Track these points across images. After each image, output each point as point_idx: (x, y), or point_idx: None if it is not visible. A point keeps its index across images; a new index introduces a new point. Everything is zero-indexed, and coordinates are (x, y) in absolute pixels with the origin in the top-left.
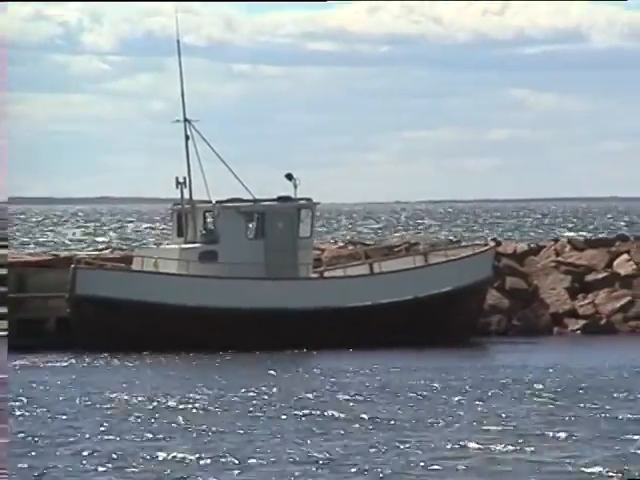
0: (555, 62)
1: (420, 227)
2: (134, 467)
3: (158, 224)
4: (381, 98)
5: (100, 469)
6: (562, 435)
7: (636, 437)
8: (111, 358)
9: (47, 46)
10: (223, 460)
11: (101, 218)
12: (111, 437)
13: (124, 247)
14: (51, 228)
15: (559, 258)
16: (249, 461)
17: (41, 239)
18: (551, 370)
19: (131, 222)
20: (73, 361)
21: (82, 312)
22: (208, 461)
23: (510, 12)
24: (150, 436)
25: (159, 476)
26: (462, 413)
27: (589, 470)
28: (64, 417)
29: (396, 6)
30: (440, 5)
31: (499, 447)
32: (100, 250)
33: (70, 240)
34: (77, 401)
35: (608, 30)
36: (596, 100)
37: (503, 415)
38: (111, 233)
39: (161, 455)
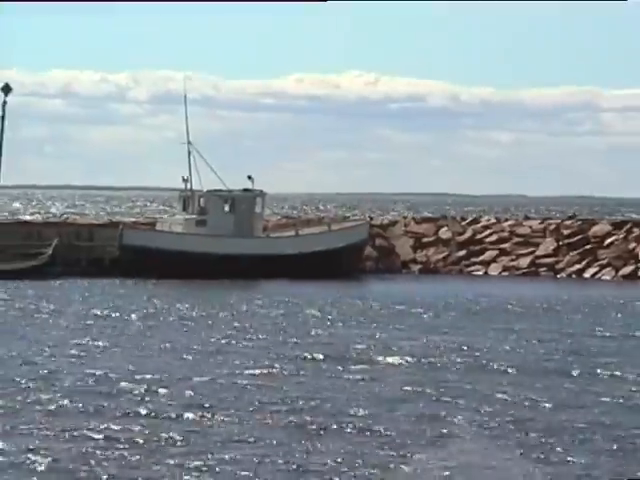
0: None
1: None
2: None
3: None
4: None
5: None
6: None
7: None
8: (139, 281)
9: (109, 97)
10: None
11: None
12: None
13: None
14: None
15: (407, 228)
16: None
17: (101, 212)
18: (398, 292)
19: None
20: (117, 282)
21: (125, 254)
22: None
23: None
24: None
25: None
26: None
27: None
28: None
29: None
30: None
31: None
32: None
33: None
34: (115, 301)
35: None
36: None
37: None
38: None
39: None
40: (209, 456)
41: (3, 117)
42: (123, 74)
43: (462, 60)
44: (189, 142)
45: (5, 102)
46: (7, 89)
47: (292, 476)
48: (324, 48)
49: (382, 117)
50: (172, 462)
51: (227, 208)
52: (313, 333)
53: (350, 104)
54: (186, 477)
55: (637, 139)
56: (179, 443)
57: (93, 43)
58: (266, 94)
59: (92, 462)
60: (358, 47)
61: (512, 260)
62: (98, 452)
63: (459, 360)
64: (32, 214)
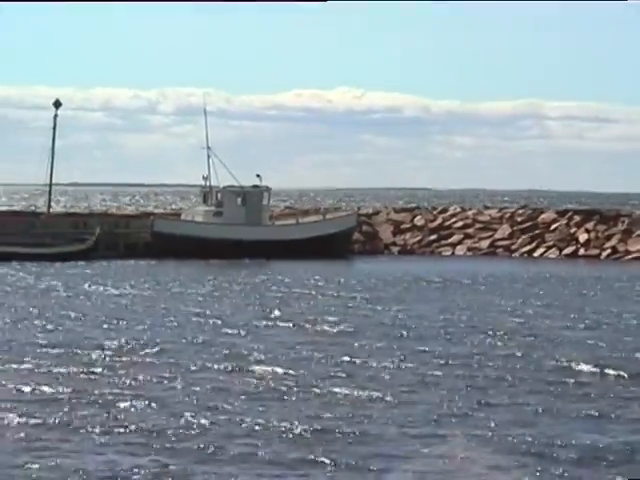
0: None
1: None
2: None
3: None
4: None
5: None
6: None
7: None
8: (166, 261)
9: (141, 110)
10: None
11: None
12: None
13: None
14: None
15: (388, 217)
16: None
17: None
18: (379, 269)
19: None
20: (153, 262)
21: (155, 240)
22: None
23: None
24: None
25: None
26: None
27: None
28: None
29: None
30: None
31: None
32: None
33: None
34: (148, 278)
35: None
36: None
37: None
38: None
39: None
40: None
41: (54, 127)
42: (153, 91)
43: (432, 78)
44: (208, 147)
45: (56, 115)
46: (57, 104)
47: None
48: (319, 67)
49: (366, 125)
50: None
51: (240, 201)
52: (302, 305)
53: (340, 115)
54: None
55: (574, 142)
56: None
57: (127, 65)
58: (271, 107)
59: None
60: (347, 66)
61: (474, 242)
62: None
63: (397, 323)
64: (79, 207)
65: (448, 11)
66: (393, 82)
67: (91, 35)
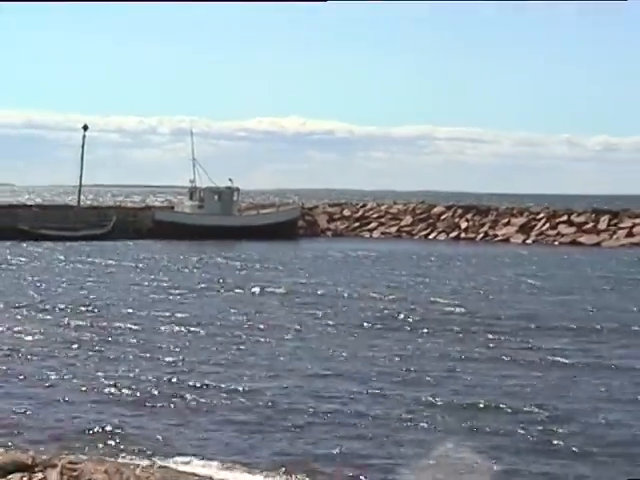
0: None
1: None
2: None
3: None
4: None
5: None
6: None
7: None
8: (160, 241)
9: (145, 132)
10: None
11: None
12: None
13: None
14: (140, 196)
15: (324, 209)
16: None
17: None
18: (320, 248)
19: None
20: (150, 242)
21: (156, 226)
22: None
23: None
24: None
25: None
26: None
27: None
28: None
29: None
30: None
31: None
32: (162, 203)
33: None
34: (149, 253)
35: None
36: None
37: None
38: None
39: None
40: None
41: (83, 145)
42: (154, 118)
43: (356, 109)
44: (194, 159)
45: (84, 135)
46: (85, 127)
47: None
48: (275, 101)
49: (309, 144)
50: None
51: (216, 198)
52: (254, 274)
53: (290, 136)
54: None
55: (457, 157)
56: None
57: (135, 98)
58: (240, 130)
59: None
60: (295, 100)
61: (386, 228)
62: None
63: (309, 291)
64: (100, 202)
65: (366, 60)
66: (328, 112)
67: (108, 72)
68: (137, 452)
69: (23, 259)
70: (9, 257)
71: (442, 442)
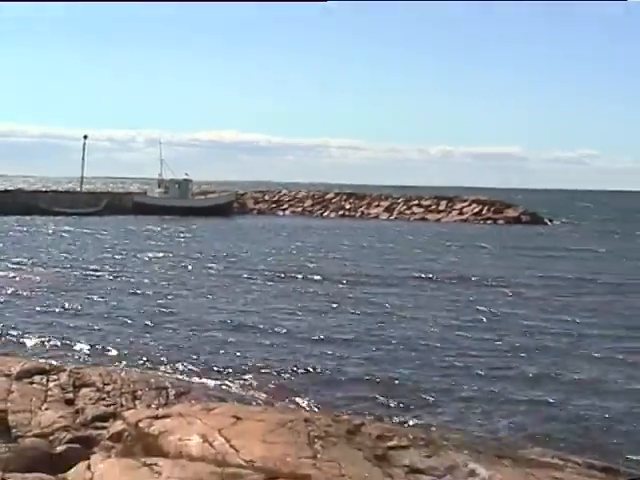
0: None
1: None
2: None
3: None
4: None
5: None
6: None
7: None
8: (140, 217)
9: (128, 140)
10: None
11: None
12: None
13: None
14: (123, 185)
15: (251, 195)
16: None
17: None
18: (248, 222)
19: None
20: (131, 217)
21: (134, 206)
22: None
23: None
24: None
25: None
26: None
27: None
28: (129, 225)
29: None
30: None
31: None
32: (138, 190)
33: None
34: (131, 225)
35: None
36: None
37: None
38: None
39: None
40: None
41: (84, 149)
42: (134, 130)
43: (272, 124)
44: (162, 160)
45: (85, 143)
46: (85, 137)
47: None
48: (217, 117)
49: (241, 150)
50: None
51: (177, 187)
52: (194, 240)
53: (227, 144)
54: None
55: (343, 160)
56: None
57: (123, 115)
58: (193, 140)
59: None
60: (231, 117)
61: (294, 208)
62: None
63: (222, 254)
64: (96, 189)
65: (277, 87)
66: (254, 127)
67: (104, 97)
68: (126, 362)
69: (43, 228)
70: (38, 224)
71: None
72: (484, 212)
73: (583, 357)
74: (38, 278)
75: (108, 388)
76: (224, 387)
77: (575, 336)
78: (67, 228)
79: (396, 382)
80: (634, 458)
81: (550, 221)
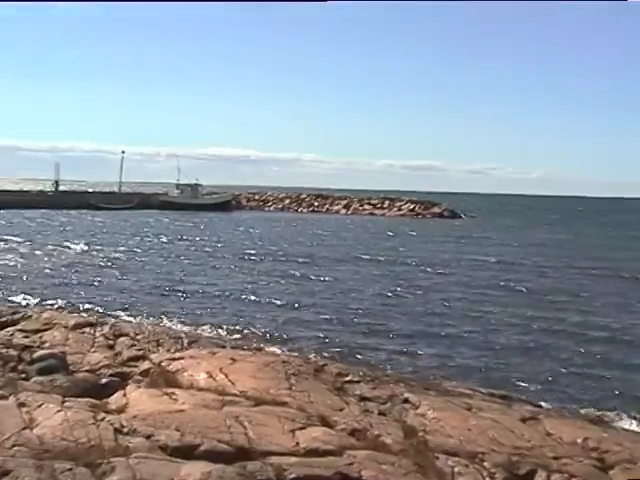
0: None
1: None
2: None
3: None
4: None
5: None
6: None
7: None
8: (164, 212)
9: (152, 155)
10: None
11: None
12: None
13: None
14: (151, 188)
15: (245, 195)
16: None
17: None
18: (242, 215)
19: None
20: (156, 212)
21: (161, 204)
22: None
23: None
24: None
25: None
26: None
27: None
28: (156, 218)
29: None
30: None
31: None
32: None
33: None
34: (158, 218)
35: None
36: None
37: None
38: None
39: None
40: None
41: (122, 161)
42: (156, 147)
43: (263, 139)
44: (179, 169)
45: (122, 157)
46: (123, 152)
47: None
48: (218, 138)
49: (238, 163)
50: None
51: (190, 189)
52: (206, 233)
53: (228, 158)
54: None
55: (312, 169)
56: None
57: (149, 135)
58: (201, 154)
59: None
60: (229, 134)
61: (277, 206)
62: None
63: (211, 242)
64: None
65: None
66: (246, 144)
67: (136, 121)
68: (150, 318)
69: (94, 218)
70: (88, 217)
71: None
72: (416, 209)
73: (475, 316)
74: (89, 258)
75: (139, 337)
76: (224, 338)
77: (470, 301)
78: (106, 220)
79: (346, 334)
80: (523, 385)
81: (464, 215)
